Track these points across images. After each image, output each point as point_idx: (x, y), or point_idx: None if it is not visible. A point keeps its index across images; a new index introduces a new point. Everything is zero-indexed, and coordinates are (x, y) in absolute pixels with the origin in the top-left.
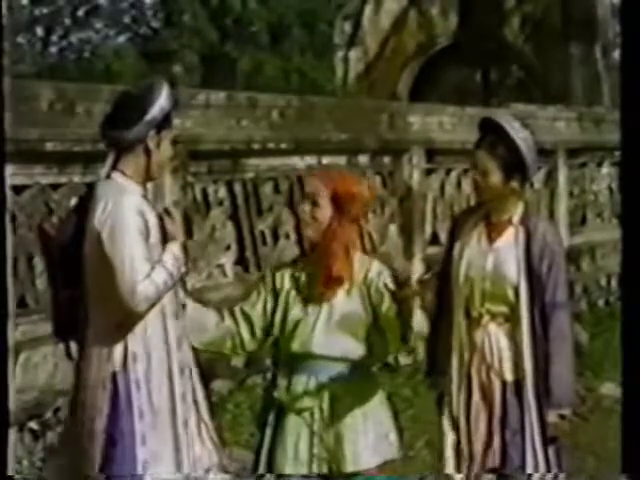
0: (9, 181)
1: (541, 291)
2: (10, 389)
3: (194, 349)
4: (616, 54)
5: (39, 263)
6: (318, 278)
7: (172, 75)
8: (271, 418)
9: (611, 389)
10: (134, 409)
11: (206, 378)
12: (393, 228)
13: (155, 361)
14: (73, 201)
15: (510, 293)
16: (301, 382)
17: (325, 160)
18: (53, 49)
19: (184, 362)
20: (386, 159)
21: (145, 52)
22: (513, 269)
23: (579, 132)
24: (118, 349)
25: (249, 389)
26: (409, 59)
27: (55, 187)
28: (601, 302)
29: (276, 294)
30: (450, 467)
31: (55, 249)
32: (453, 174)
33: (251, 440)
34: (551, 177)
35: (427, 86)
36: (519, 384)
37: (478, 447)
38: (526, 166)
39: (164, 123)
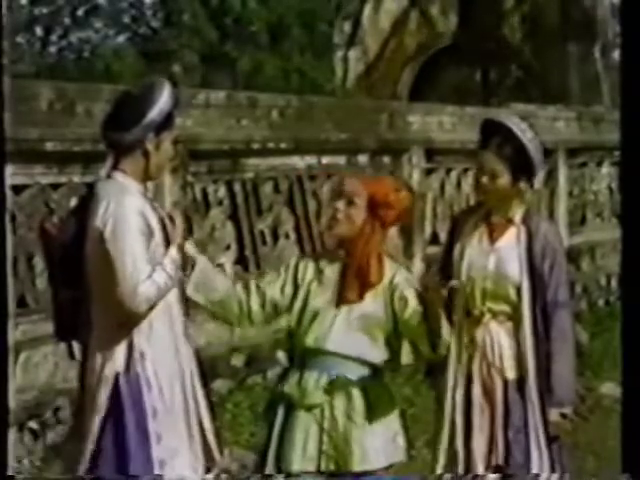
0: (9, 181)
1: (543, 290)
2: (10, 389)
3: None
4: (615, 54)
5: (39, 263)
6: (347, 278)
7: (172, 75)
8: (280, 414)
9: (611, 389)
10: (146, 408)
11: (206, 378)
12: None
13: (164, 360)
14: (73, 201)
15: (512, 292)
16: (312, 378)
17: (325, 160)
18: (52, 49)
19: (187, 361)
20: (386, 159)
21: (145, 52)
22: (515, 268)
23: (578, 132)
24: (122, 349)
25: (249, 389)
26: (409, 59)
27: (55, 187)
28: (601, 302)
29: (297, 284)
30: (449, 467)
31: (56, 248)
32: (453, 174)
33: (251, 440)
34: (551, 177)
35: (427, 86)
36: (521, 382)
37: (481, 446)
38: (534, 167)
39: (164, 125)
